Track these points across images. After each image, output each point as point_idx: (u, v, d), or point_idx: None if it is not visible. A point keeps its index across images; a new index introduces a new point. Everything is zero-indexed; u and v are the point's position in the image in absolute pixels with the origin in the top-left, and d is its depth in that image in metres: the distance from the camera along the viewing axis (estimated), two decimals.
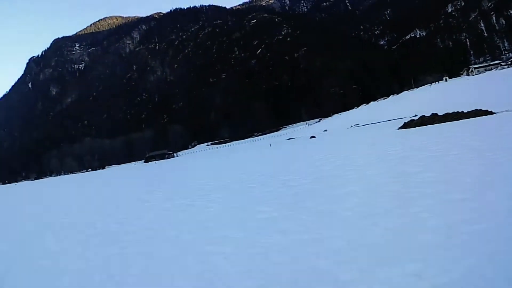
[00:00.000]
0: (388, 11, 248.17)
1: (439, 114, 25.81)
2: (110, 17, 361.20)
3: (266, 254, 3.94)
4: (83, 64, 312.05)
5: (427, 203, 4.70)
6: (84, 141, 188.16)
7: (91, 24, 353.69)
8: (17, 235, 8.44)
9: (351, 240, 3.89)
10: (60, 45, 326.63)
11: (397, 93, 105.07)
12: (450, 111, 25.41)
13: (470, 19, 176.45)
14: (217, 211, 6.85)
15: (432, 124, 23.82)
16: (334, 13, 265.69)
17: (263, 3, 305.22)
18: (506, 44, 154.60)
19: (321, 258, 3.57)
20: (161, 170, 34.62)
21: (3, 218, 13.29)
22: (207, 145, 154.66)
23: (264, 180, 10.19)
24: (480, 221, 3.72)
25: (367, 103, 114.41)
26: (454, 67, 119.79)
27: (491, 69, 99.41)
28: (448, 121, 22.99)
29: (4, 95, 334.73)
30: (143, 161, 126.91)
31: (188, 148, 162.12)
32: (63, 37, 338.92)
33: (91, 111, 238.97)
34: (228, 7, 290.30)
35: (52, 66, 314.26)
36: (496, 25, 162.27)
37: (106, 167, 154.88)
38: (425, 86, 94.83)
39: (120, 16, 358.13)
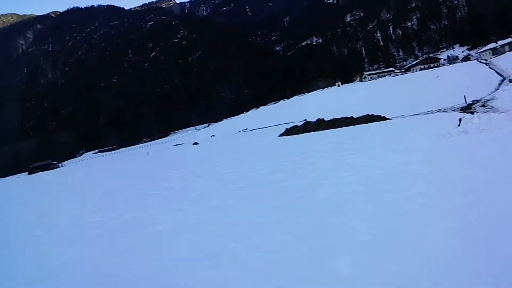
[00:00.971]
0: (287, 18, 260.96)
1: (326, 119, 24.65)
2: (6, 15, 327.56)
3: None
4: None
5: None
6: None
7: None
8: None
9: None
10: None
11: (288, 98, 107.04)
12: (338, 117, 24.39)
13: (368, 28, 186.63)
14: None
15: (318, 130, 22.45)
16: (234, 18, 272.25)
17: (163, 5, 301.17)
18: (401, 53, 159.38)
19: None
20: None
21: None
22: (94, 153, 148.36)
23: None
24: None
25: (257, 107, 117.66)
26: (349, 73, 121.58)
27: (384, 75, 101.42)
28: (336, 127, 21.66)
29: None
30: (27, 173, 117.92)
31: (76, 157, 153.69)
32: None
33: None
34: (127, 8, 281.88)
35: None
36: (393, 35, 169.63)
37: None
38: (317, 91, 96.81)
39: (16, 14, 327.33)
